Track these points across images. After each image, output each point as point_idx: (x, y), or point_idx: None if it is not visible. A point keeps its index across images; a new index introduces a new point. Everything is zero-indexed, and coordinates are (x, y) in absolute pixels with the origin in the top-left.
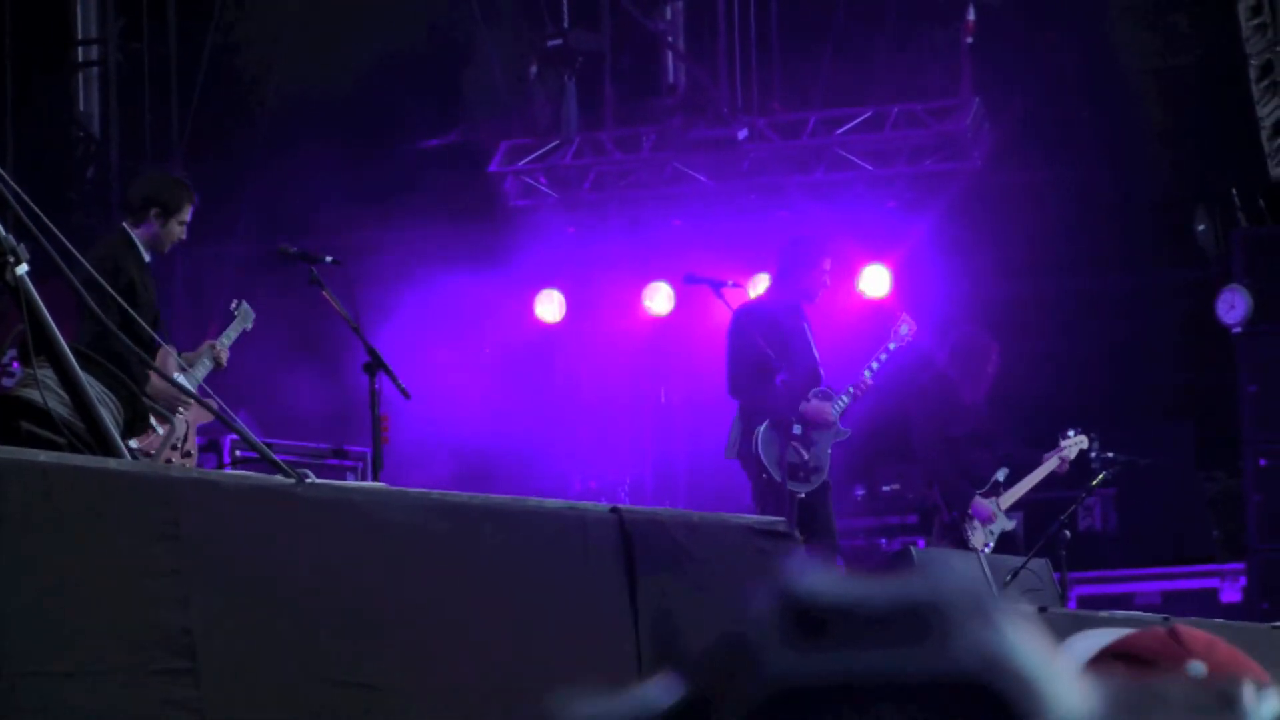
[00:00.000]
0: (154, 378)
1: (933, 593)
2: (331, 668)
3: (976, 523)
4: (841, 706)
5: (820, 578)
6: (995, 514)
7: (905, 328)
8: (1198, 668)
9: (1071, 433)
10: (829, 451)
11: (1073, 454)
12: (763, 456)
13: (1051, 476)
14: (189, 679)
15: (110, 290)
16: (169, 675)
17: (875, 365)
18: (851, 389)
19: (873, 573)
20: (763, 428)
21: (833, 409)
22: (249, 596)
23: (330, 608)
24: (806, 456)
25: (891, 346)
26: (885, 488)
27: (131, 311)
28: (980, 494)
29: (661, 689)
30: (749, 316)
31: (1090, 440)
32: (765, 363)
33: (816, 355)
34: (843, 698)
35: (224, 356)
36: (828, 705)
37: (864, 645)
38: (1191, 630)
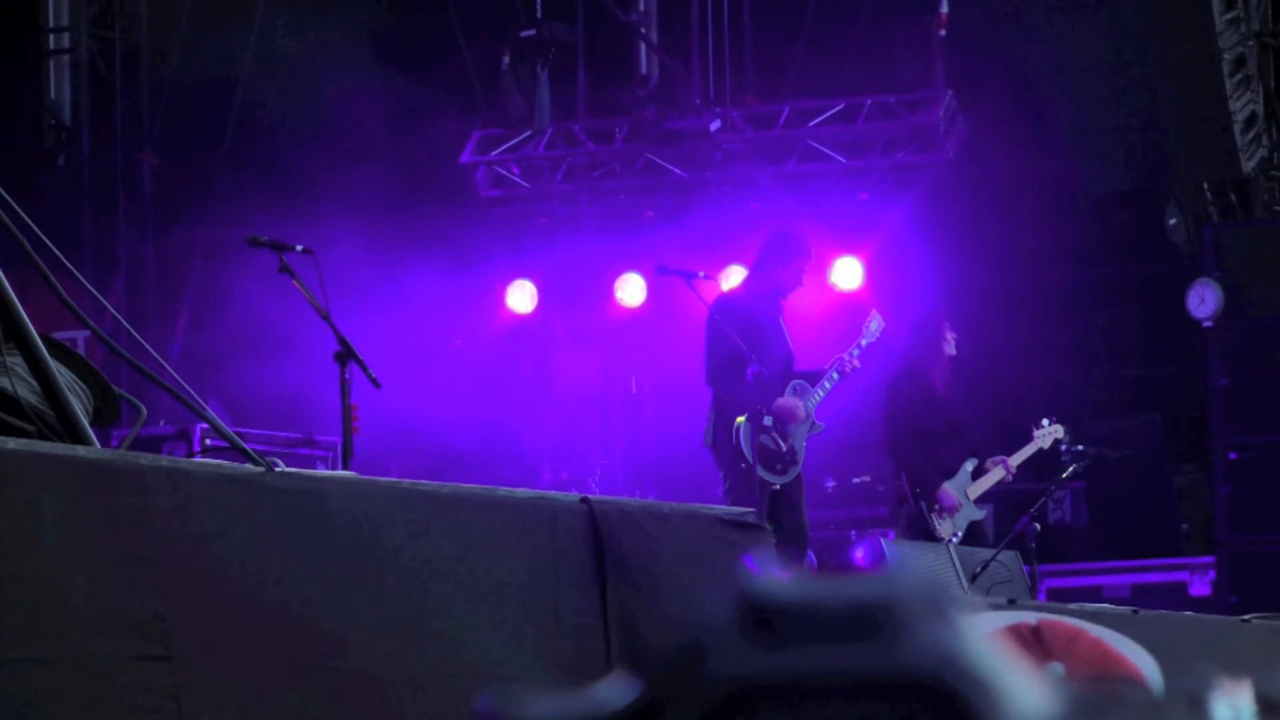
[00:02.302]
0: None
1: (889, 593)
2: (306, 654)
3: (944, 512)
4: (797, 705)
5: (777, 578)
6: (962, 503)
7: (875, 324)
8: (1056, 669)
9: (1046, 422)
10: (804, 444)
11: (1047, 443)
12: (744, 447)
13: (1022, 469)
14: (165, 665)
15: (82, 279)
16: (145, 662)
17: (850, 357)
18: (825, 383)
19: (836, 572)
20: (742, 419)
21: (806, 404)
22: (222, 584)
23: (302, 595)
24: (784, 448)
25: (863, 342)
26: (856, 480)
27: (105, 303)
28: (948, 484)
29: (618, 687)
30: (724, 309)
31: (1065, 431)
32: (737, 355)
33: (790, 348)
34: (798, 696)
35: None
36: (783, 704)
37: (820, 644)
38: (1057, 627)
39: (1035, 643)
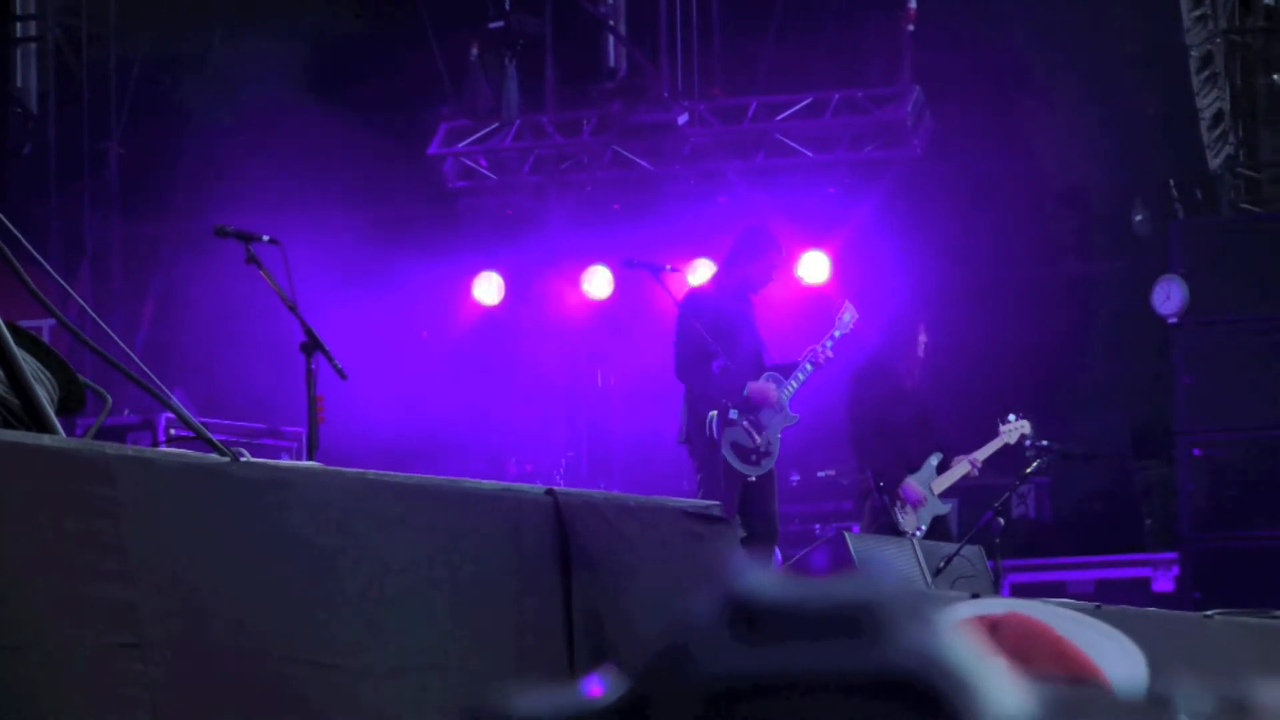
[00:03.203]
0: None
1: (871, 593)
2: (272, 644)
3: (907, 506)
4: (780, 704)
5: (761, 578)
6: (926, 497)
7: (848, 315)
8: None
9: (1012, 417)
10: (779, 436)
11: (1014, 438)
12: (720, 440)
13: (987, 464)
14: (135, 653)
15: (48, 267)
16: (115, 650)
17: (824, 349)
18: (799, 374)
19: (812, 571)
20: (714, 413)
21: (781, 393)
22: (189, 573)
23: (268, 586)
24: (758, 441)
25: (836, 334)
26: (821, 473)
27: (72, 292)
28: (912, 478)
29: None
30: (693, 304)
31: (1031, 426)
32: (704, 350)
33: (761, 342)
34: (781, 695)
35: None
36: (767, 702)
37: (803, 643)
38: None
39: (991, 639)
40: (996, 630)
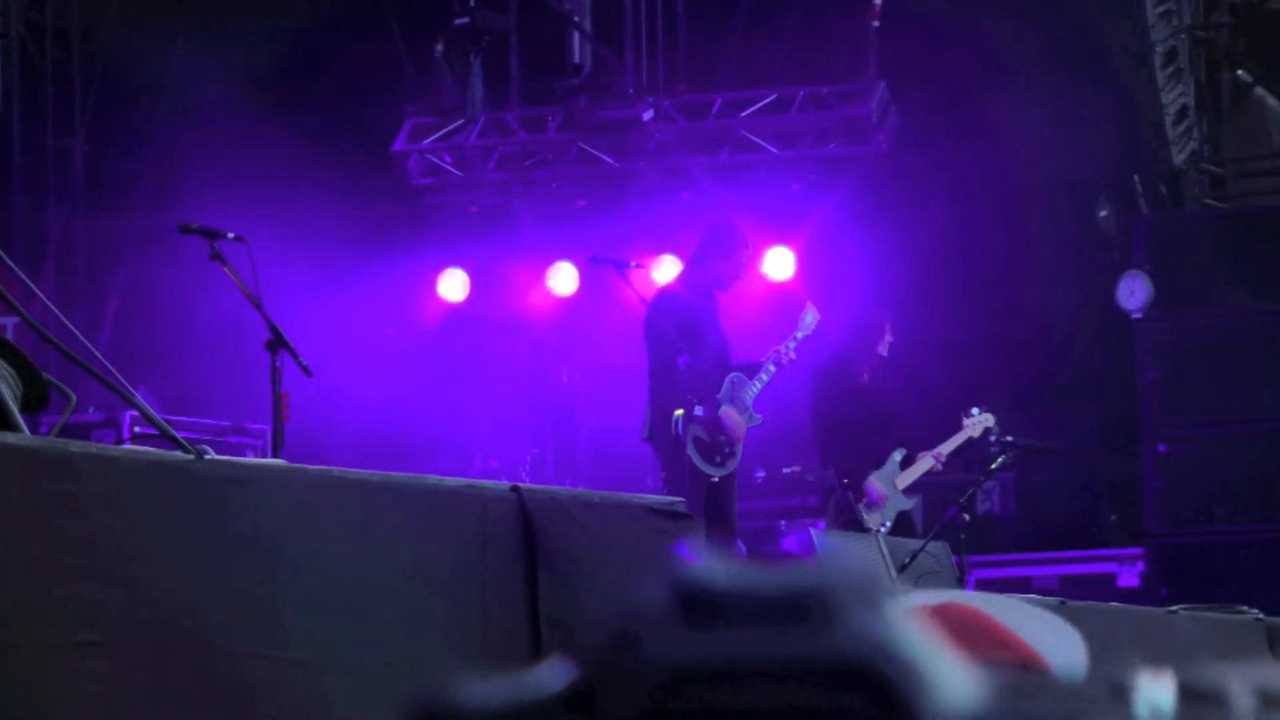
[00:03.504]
0: None
1: (822, 580)
2: (237, 641)
3: (871, 503)
4: (729, 691)
5: (711, 564)
6: (889, 494)
7: (810, 316)
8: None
9: (975, 411)
10: (743, 439)
11: (978, 432)
12: (685, 439)
13: (952, 459)
14: (100, 651)
15: (11, 264)
16: (80, 648)
17: (787, 350)
18: (762, 376)
19: (769, 560)
20: (680, 411)
21: (745, 394)
22: (153, 571)
23: (233, 582)
24: (720, 439)
25: (799, 335)
26: (785, 470)
27: (35, 289)
28: (875, 474)
29: (553, 673)
30: (662, 302)
31: (995, 420)
32: (670, 347)
33: (727, 340)
34: (730, 682)
35: None
36: (715, 689)
37: (752, 630)
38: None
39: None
40: (935, 618)
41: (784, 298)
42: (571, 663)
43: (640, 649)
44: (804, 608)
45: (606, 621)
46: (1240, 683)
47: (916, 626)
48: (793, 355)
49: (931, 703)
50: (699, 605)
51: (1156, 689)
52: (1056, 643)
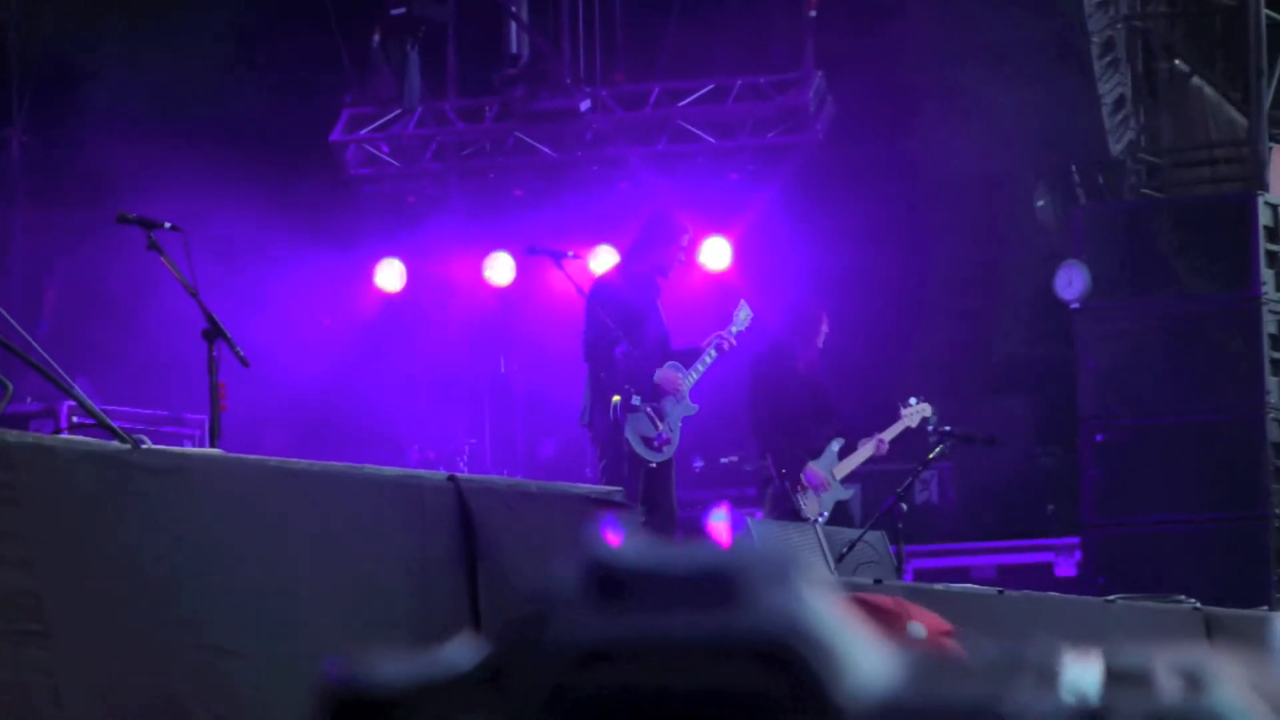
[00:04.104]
0: None
1: (734, 560)
2: (175, 630)
3: (810, 492)
4: (642, 669)
5: (625, 543)
6: (828, 483)
7: (743, 314)
8: (918, 629)
9: (913, 401)
10: (679, 424)
11: (915, 421)
12: (626, 425)
13: (890, 449)
14: (38, 641)
15: None
16: (19, 638)
17: (712, 355)
18: (701, 363)
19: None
20: (617, 398)
21: (684, 380)
22: (92, 560)
23: (170, 572)
24: (660, 428)
25: (733, 330)
26: (724, 460)
27: None
28: (814, 464)
29: (463, 650)
30: (600, 290)
31: (932, 409)
32: (607, 335)
33: (666, 328)
34: (643, 660)
35: None
36: (628, 668)
37: (666, 609)
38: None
39: (902, 604)
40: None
41: (720, 288)
42: (484, 641)
43: (550, 628)
44: (717, 587)
45: (519, 600)
46: (1165, 665)
47: (831, 606)
48: (733, 342)
49: (845, 682)
50: (611, 584)
51: (1082, 671)
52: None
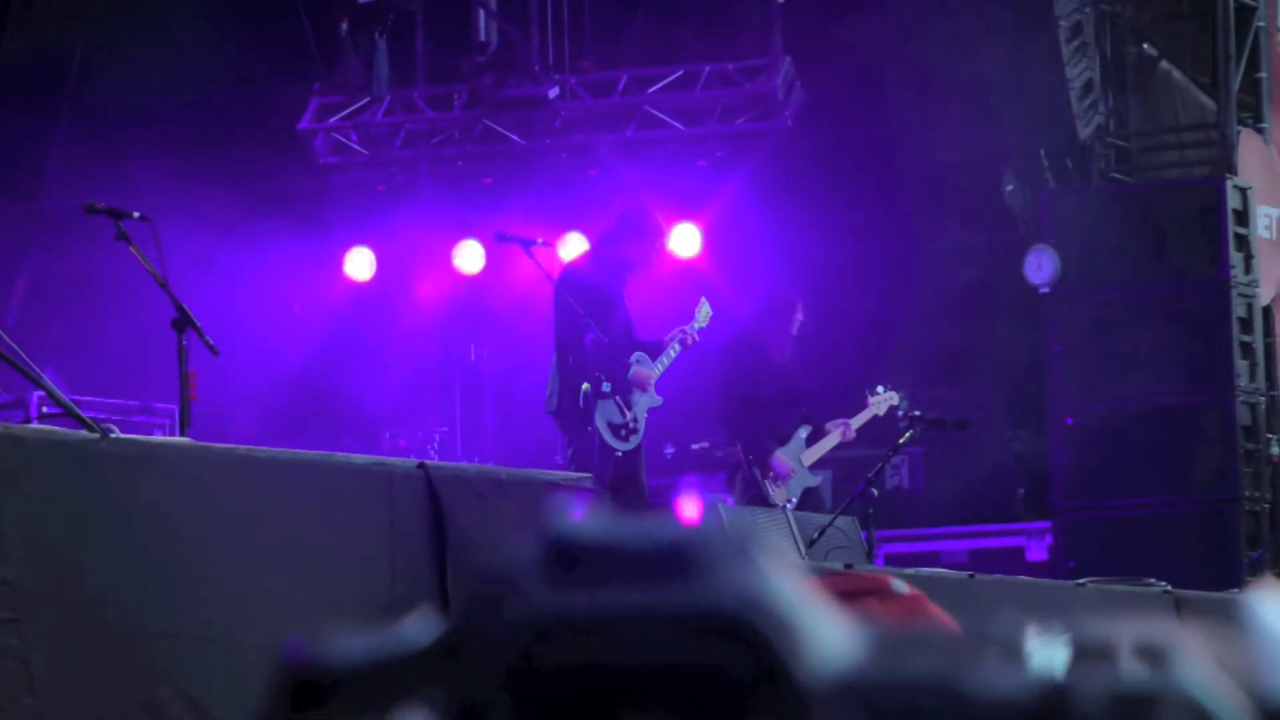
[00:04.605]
0: None
1: (692, 534)
2: (146, 617)
3: (777, 479)
4: (599, 643)
5: (583, 519)
6: (795, 469)
7: (703, 311)
8: (900, 585)
9: (881, 388)
10: (645, 414)
11: (882, 409)
12: (594, 413)
13: (861, 434)
14: (11, 628)
15: None
16: None
17: (676, 350)
18: (666, 357)
19: (644, 513)
20: (587, 386)
21: (653, 376)
22: (63, 548)
23: (141, 559)
24: (627, 417)
25: (695, 327)
26: (694, 446)
27: None
28: (782, 450)
29: (421, 627)
30: (569, 276)
31: (900, 397)
32: (577, 322)
33: (631, 319)
34: (600, 635)
35: None
36: (586, 643)
37: (623, 583)
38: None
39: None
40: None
41: (689, 275)
42: (441, 616)
43: (508, 603)
44: (677, 562)
45: (477, 576)
46: (1130, 640)
47: (791, 580)
48: (696, 338)
49: (806, 658)
50: (571, 559)
51: (1047, 646)
52: None
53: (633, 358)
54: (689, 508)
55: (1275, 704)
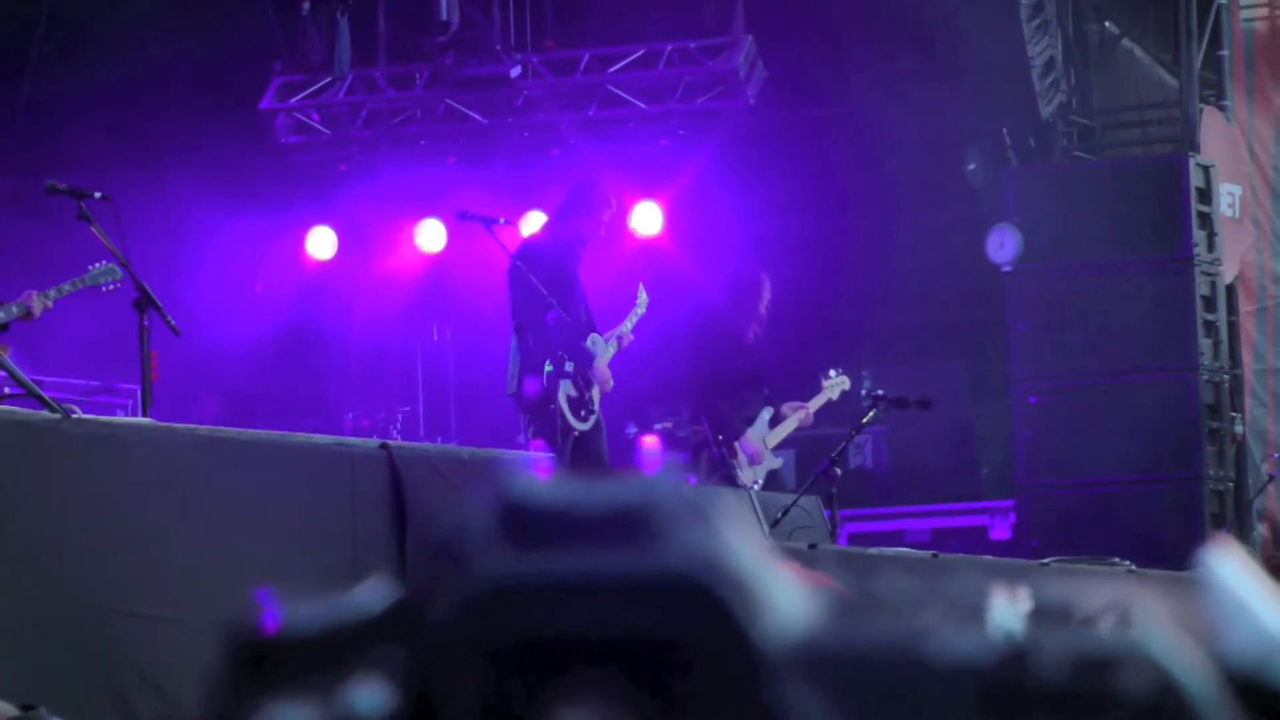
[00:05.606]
0: None
1: (647, 495)
2: (109, 599)
3: (744, 460)
4: (555, 607)
5: (536, 482)
6: (763, 452)
7: (641, 300)
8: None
9: (833, 373)
10: (599, 398)
11: (836, 394)
12: (556, 393)
13: (823, 414)
14: None
15: None
16: None
17: (626, 333)
18: (616, 343)
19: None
20: (549, 366)
21: (601, 360)
22: (23, 530)
23: (102, 540)
24: (586, 396)
25: (634, 315)
26: (658, 425)
27: None
28: (750, 432)
29: (373, 594)
30: (526, 255)
31: (865, 379)
32: (539, 301)
33: (585, 296)
34: (556, 598)
35: (38, 307)
36: (541, 606)
37: (578, 546)
38: None
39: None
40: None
41: (652, 253)
42: (396, 582)
43: (463, 567)
44: (629, 523)
45: (432, 543)
46: (1090, 600)
47: (748, 544)
48: (631, 337)
49: (761, 620)
50: (523, 523)
51: (1007, 607)
52: None
53: (589, 341)
54: (653, 453)
55: (1232, 663)
